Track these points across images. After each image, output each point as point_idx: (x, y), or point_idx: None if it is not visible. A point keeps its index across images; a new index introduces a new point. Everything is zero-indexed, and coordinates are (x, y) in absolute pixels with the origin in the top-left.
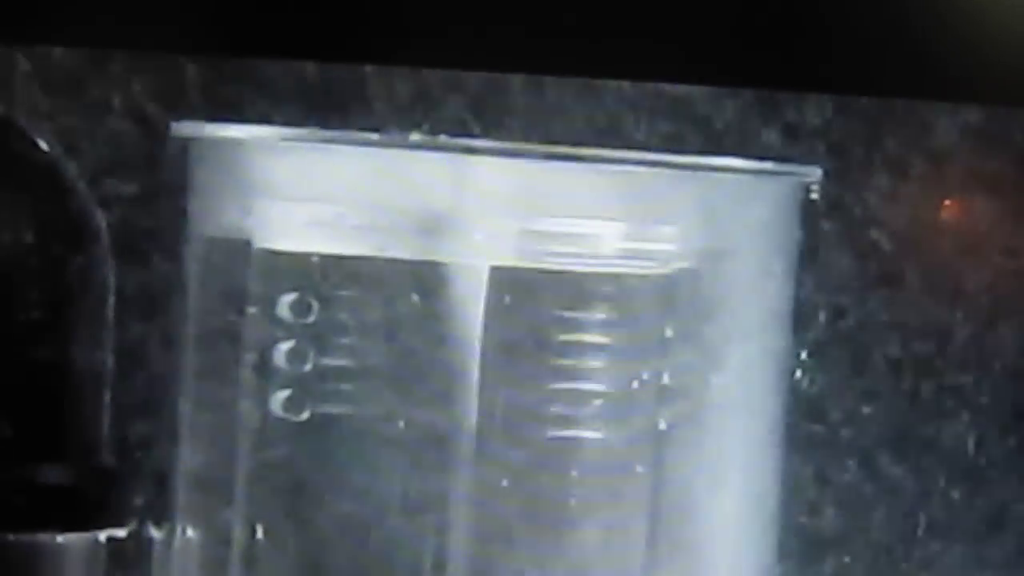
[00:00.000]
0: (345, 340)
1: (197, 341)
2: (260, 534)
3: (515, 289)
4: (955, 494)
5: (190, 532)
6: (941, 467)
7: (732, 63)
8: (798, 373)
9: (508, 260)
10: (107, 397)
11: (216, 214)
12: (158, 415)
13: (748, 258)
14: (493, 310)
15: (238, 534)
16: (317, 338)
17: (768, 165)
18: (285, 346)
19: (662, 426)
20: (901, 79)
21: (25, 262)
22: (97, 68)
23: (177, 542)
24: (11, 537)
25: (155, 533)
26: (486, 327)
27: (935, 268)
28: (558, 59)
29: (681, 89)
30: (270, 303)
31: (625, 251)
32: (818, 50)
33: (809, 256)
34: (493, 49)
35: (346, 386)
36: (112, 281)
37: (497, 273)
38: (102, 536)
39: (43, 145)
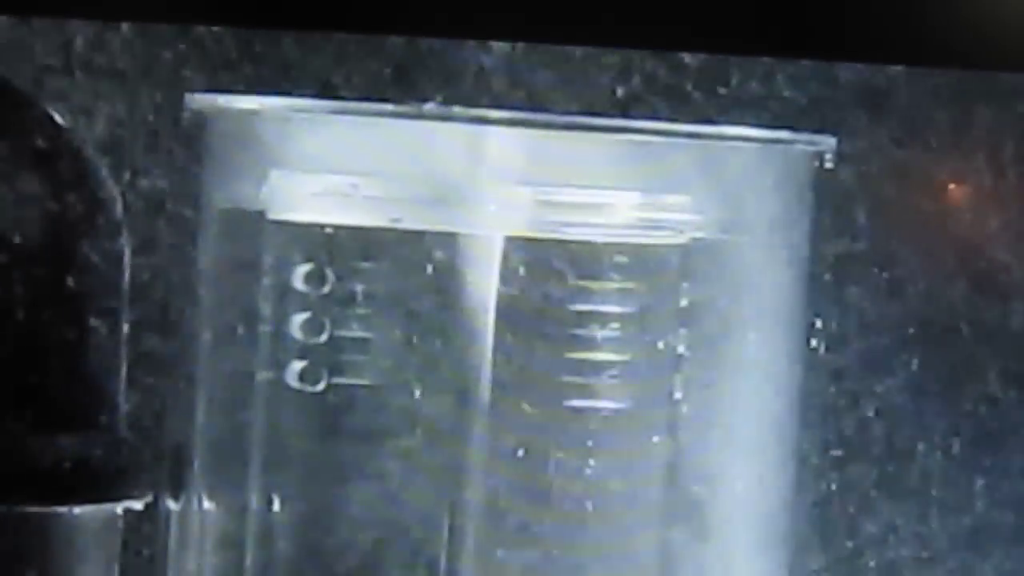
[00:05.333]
0: (360, 311)
1: (212, 313)
2: (276, 506)
3: (529, 259)
4: (974, 461)
5: (207, 504)
6: (961, 436)
7: (741, 30)
8: (814, 342)
9: (522, 230)
10: (123, 369)
11: (230, 185)
12: (174, 387)
13: (763, 227)
14: (507, 281)
15: (255, 506)
16: (332, 309)
17: (782, 134)
18: (300, 317)
19: (677, 396)
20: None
21: (41, 234)
22: (111, 39)
23: (194, 514)
24: (27, 509)
25: (172, 505)
26: (500, 298)
27: (949, 236)
28: (562, 27)
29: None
30: (285, 274)
31: (640, 221)
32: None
33: (824, 224)
34: (501, 17)
35: (361, 357)
36: (128, 252)
37: (511, 243)
38: (118, 508)
39: (57, 118)
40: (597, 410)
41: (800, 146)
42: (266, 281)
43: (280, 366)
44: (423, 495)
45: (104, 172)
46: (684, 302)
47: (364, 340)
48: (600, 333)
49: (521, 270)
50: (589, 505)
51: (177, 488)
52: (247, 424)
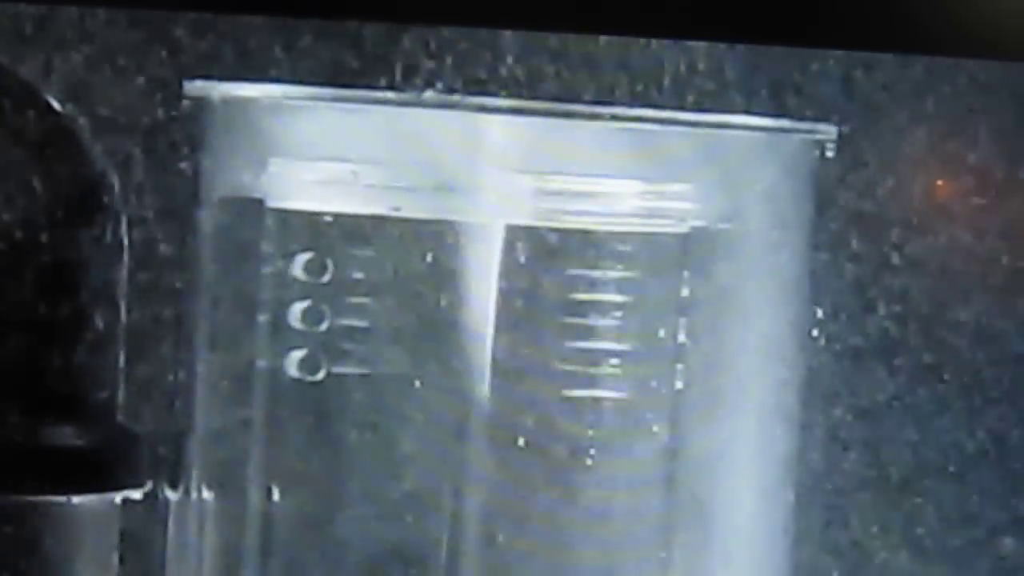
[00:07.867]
0: (360, 300)
1: (211, 301)
2: (276, 495)
3: (530, 248)
4: (979, 460)
5: (206, 494)
6: (962, 429)
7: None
8: (815, 331)
9: (523, 219)
10: (122, 357)
11: (229, 174)
12: (173, 376)
13: (764, 216)
14: (508, 269)
15: (254, 495)
16: (332, 298)
17: (783, 122)
18: (300, 306)
19: (678, 385)
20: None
21: (38, 221)
22: (109, 25)
23: (193, 504)
24: (25, 499)
25: (170, 494)
26: (501, 286)
27: (954, 228)
28: (588, 16)
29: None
30: (284, 263)
31: (641, 209)
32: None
33: (825, 214)
34: (523, 6)
35: (361, 346)
36: (125, 241)
37: (512, 232)
38: (117, 498)
39: (55, 105)
40: (598, 399)
41: (801, 134)
42: (265, 269)
43: (280, 355)
44: (423, 484)
45: (102, 159)
46: (685, 291)
47: (364, 329)
48: (601, 322)
49: (522, 258)
50: (589, 494)
51: (176, 478)
52: (246, 413)
